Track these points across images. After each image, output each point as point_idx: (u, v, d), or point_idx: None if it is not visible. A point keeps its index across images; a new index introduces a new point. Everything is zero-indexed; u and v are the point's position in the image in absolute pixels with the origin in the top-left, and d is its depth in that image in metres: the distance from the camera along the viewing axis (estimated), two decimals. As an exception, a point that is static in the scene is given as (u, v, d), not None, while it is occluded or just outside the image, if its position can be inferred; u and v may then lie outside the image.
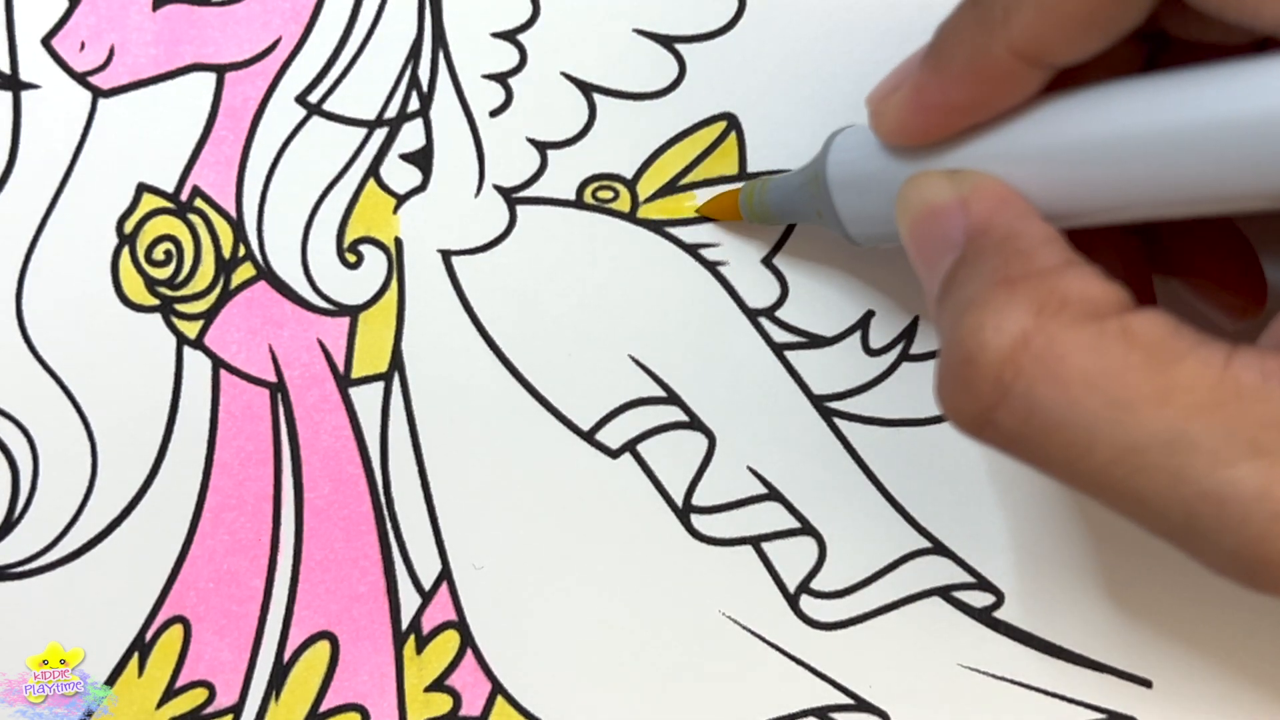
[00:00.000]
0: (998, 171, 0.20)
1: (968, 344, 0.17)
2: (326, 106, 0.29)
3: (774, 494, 0.28)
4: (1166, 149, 0.17)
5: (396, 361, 0.29)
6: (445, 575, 0.28)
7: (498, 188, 0.29)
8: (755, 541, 0.28)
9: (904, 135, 0.21)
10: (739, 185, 0.28)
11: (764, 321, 0.28)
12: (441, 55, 0.29)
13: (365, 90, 0.29)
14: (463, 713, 0.28)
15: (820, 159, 0.24)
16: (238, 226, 0.29)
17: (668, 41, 0.29)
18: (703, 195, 0.28)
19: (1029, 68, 0.19)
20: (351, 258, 0.29)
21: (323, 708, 0.28)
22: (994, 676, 0.28)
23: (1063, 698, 0.28)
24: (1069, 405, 0.16)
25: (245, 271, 0.29)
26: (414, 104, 0.29)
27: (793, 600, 0.28)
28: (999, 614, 0.28)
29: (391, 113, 0.29)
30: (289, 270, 0.29)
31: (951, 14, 0.20)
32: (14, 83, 0.29)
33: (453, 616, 0.28)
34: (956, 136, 0.20)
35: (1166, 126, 0.17)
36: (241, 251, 0.29)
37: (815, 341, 0.28)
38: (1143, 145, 0.18)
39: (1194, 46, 0.20)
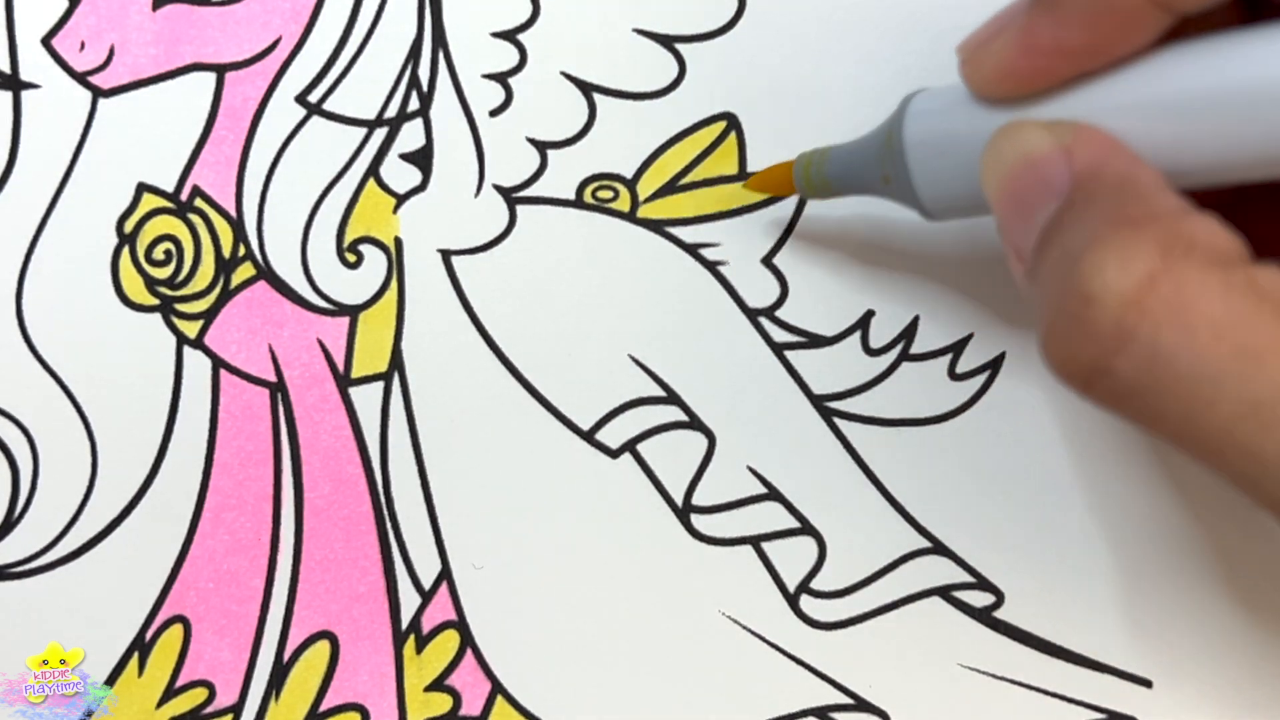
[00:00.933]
0: (1103, 124, 0.18)
1: (1090, 284, 0.16)
2: (326, 106, 0.29)
3: (774, 494, 0.28)
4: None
5: (396, 361, 0.29)
6: (445, 575, 0.28)
7: (498, 187, 0.29)
8: (755, 541, 0.28)
9: (1005, 82, 0.20)
10: (792, 158, 0.26)
11: (764, 321, 0.28)
12: (441, 55, 0.29)
13: (365, 90, 0.29)
14: (463, 712, 0.28)
15: (896, 119, 0.22)
16: (238, 226, 0.29)
17: (668, 41, 0.29)
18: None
19: (1156, 10, 0.18)
20: (351, 257, 0.29)
21: (323, 707, 0.28)
22: (994, 676, 0.28)
23: (1063, 698, 0.28)
24: (1196, 354, 0.15)
25: (245, 271, 0.29)
26: (414, 104, 0.29)
27: (793, 600, 0.28)
28: (999, 614, 0.28)
29: (391, 112, 0.29)
30: (289, 270, 0.29)
31: None
32: (14, 83, 0.29)
33: (453, 616, 0.28)
34: (1057, 86, 0.19)
35: None
36: (241, 251, 0.29)
37: (815, 341, 0.28)
38: (1263, 98, 0.17)
39: None
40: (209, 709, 0.28)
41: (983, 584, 0.28)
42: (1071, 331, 0.16)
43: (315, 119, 0.29)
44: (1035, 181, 0.18)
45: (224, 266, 0.29)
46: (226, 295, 0.29)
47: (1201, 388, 0.15)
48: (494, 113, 0.29)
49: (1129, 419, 0.17)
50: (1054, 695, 0.28)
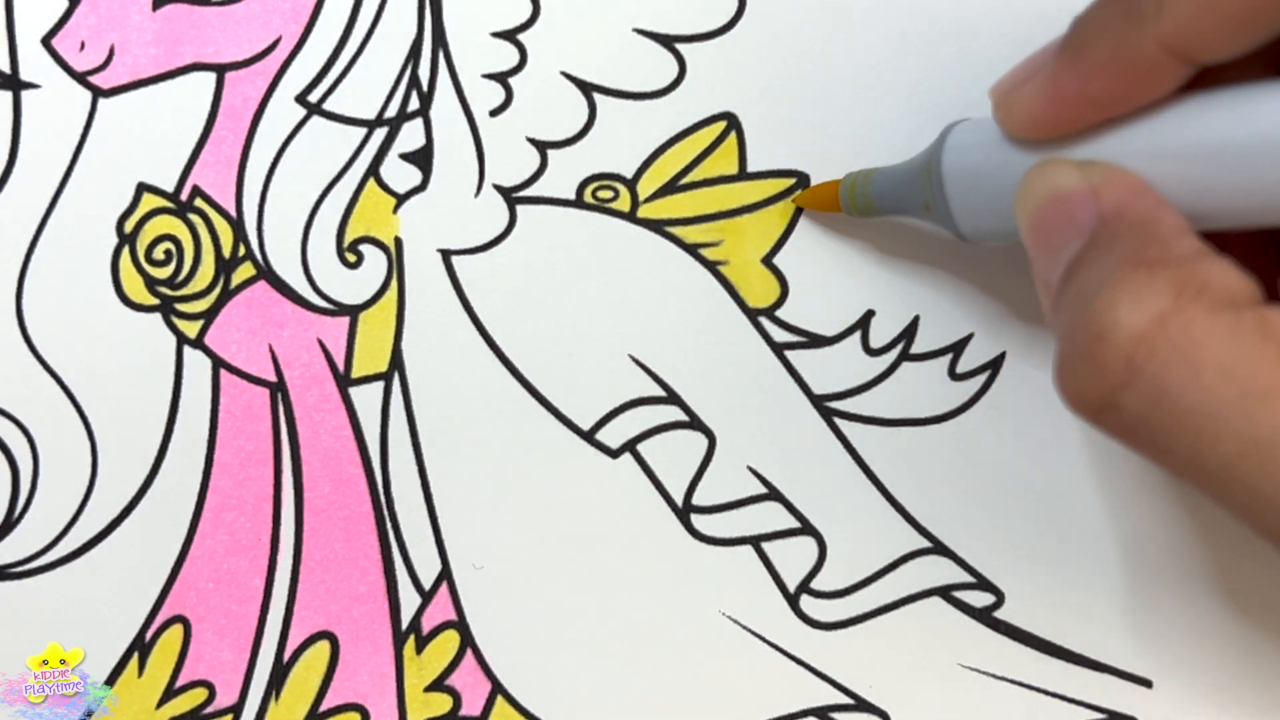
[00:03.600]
0: (1129, 167, 0.19)
1: (1101, 320, 0.17)
2: (326, 106, 0.29)
3: (774, 494, 0.28)
4: None
5: (396, 361, 0.29)
6: (445, 575, 0.28)
7: (498, 187, 0.29)
8: (755, 541, 0.28)
9: (1035, 127, 0.21)
10: (839, 177, 0.27)
11: (764, 321, 0.28)
12: (441, 55, 0.29)
13: (365, 90, 0.29)
14: (463, 713, 0.28)
15: (935, 150, 0.23)
16: (238, 226, 0.29)
17: (668, 41, 0.29)
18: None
19: (1175, 63, 0.18)
20: (351, 257, 0.29)
21: (323, 708, 0.28)
22: (994, 676, 0.28)
23: (1063, 698, 0.28)
24: (1201, 392, 0.16)
25: (245, 271, 0.29)
26: (414, 103, 0.29)
27: (793, 600, 0.28)
28: (999, 614, 0.28)
29: (391, 112, 0.29)
30: (289, 270, 0.29)
31: (1091, 7, 0.20)
32: (14, 83, 0.29)
33: (453, 616, 0.28)
34: (1085, 131, 0.20)
35: None
36: (241, 251, 0.29)
37: (815, 341, 0.28)
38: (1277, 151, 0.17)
39: None
40: (209, 709, 0.28)
41: (983, 584, 0.28)
42: (1082, 365, 0.17)
43: (315, 119, 0.29)
44: (1063, 218, 0.19)
45: (224, 266, 0.29)
46: (226, 295, 0.29)
47: (1205, 425, 0.16)
48: (494, 113, 0.29)
49: (1135, 449, 0.17)
50: (1054, 695, 0.28)
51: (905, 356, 0.28)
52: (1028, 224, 0.20)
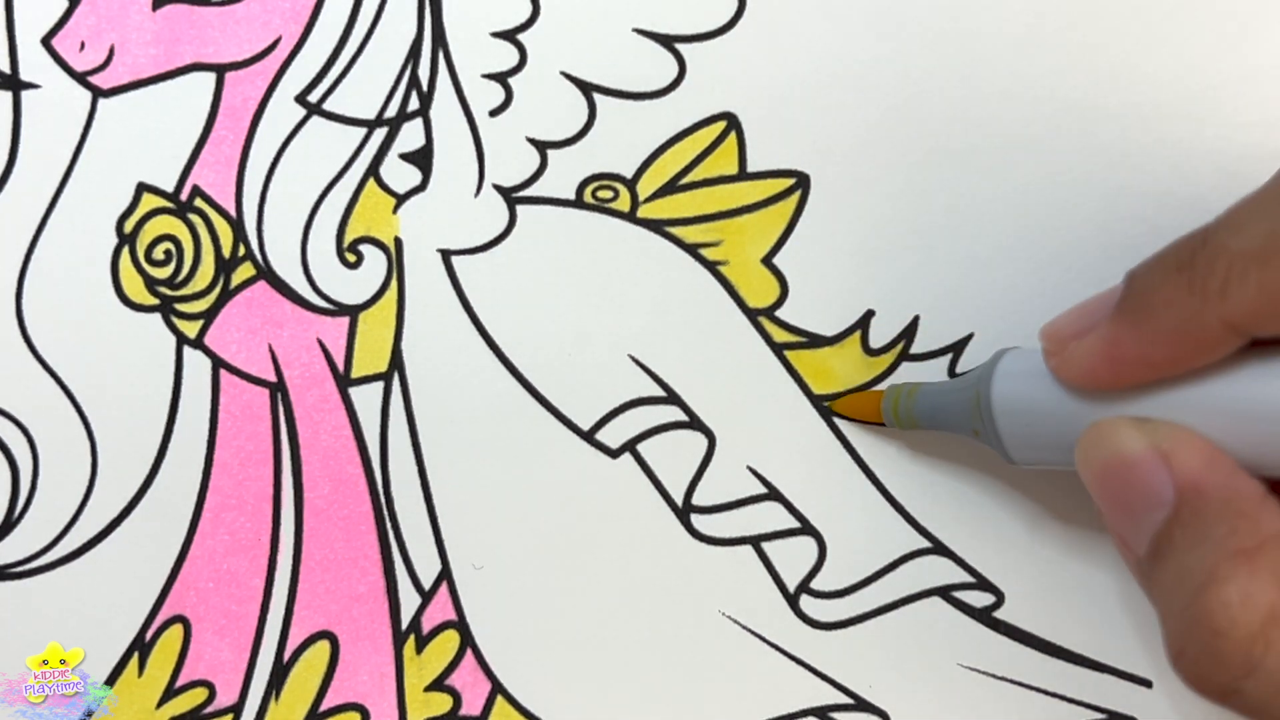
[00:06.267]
0: (1187, 423, 0.20)
1: (1216, 619, 0.18)
2: (326, 106, 0.29)
3: (774, 494, 0.28)
4: None
5: (396, 361, 0.29)
6: (445, 575, 0.28)
7: (498, 187, 0.29)
8: (755, 541, 0.28)
9: (1090, 382, 0.21)
10: (880, 388, 0.27)
11: (764, 321, 0.28)
12: (441, 55, 0.29)
13: (365, 90, 0.29)
14: (463, 712, 0.28)
15: (984, 380, 0.23)
16: (238, 226, 0.29)
17: (668, 41, 0.29)
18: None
19: (1235, 336, 0.19)
20: (351, 257, 0.29)
21: (323, 707, 0.28)
22: (994, 676, 0.28)
23: (1063, 698, 0.28)
24: None
25: (245, 271, 0.29)
26: (414, 103, 0.29)
27: (793, 600, 0.28)
28: (999, 614, 0.28)
29: (391, 112, 0.29)
30: (289, 270, 0.29)
31: (1151, 271, 0.20)
32: (14, 83, 0.29)
33: (453, 616, 0.28)
34: (1139, 387, 0.20)
35: None
36: (241, 251, 0.29)
37: (815, 341, 0.28)
38: None
39: None
40: (209, 709, 0.28)
41: (983, 584, 0.28)
42: (1202, 658, 0.18)
43: (315, 119, 0.29)
44: (1137, 485, 0.20)
45: (224, 266, 0.29)
46: (226, 295, 0.29)
47: None
48: (494, 113, 0.29)
49: None
50: (1054, 695, 0.28)
51: (905, 356, 0.28)
52: (1095, 483, 0.21)
